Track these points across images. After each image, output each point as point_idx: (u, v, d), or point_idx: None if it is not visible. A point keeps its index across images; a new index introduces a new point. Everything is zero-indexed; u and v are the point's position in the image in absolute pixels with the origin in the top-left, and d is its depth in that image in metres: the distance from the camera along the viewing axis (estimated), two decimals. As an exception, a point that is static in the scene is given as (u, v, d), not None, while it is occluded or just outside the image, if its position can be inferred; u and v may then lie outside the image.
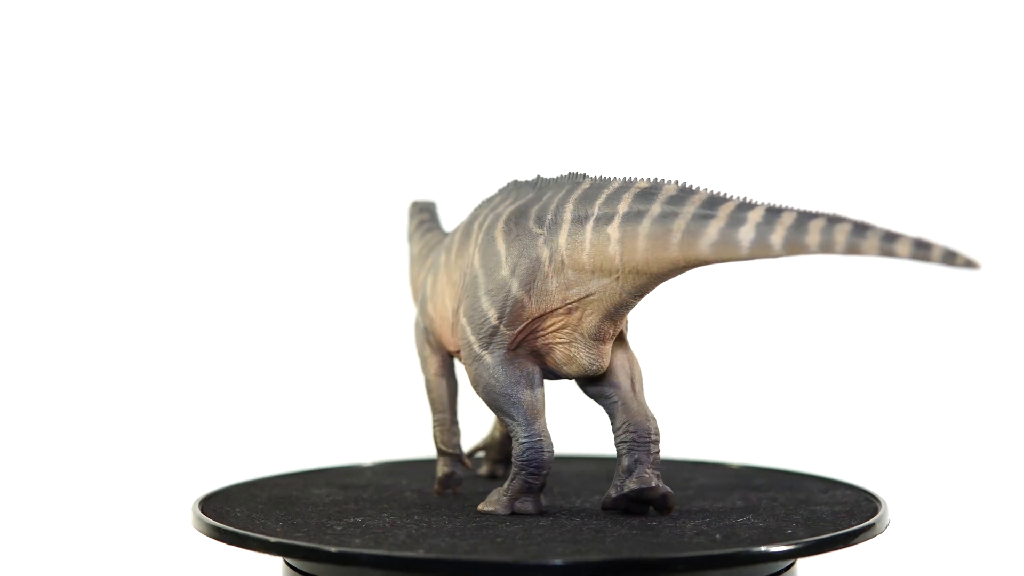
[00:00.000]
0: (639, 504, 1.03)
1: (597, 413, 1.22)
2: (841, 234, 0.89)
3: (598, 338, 1.01)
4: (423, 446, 1.40)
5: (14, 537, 1.59)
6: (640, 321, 1.63)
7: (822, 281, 1.67)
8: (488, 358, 1.02)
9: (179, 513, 1.38)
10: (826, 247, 0.90)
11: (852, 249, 0.88)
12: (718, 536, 0.95)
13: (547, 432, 1.03)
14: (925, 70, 1.67)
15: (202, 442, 1.64)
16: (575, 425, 1.28)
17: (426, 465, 1.26)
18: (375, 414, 1.64)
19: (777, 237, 0.91)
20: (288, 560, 1.02)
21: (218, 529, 0.99)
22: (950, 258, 0.85)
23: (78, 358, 1.64)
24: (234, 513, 1.04)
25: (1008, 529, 1.60)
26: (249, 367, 1.67)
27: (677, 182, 0.97)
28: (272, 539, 0.94)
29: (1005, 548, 1.59)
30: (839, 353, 1.67)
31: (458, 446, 1.14)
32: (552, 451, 1.03)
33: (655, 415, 1.02)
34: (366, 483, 1.19)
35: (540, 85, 1.70)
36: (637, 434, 1.01)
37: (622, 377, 1.03)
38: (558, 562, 0.88)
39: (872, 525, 1.00)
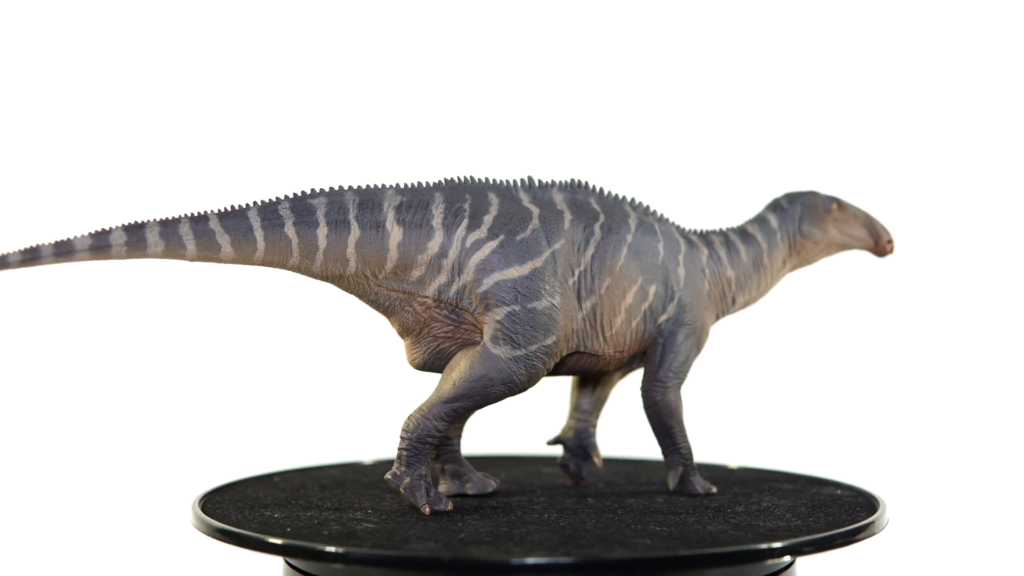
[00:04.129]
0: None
1: (616, 414, 1.22)
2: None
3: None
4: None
5: (13, 537, 1.58)
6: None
7: (819, 281, 1.67)
8: None
9: (179, 512, 1.38)
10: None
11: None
12: (717, 534, 0.95)
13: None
14: (922, 70, 1.68)
15: (201, 440, 1.63)
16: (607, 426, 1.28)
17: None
18: (376, 411, 1.64)
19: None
20: (289, 560, 1.02)
21: (219, 529, 0.98)
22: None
23: (76, 357, 1.64)
24: (234, 512, 1.04)
25: (1007, 529, 1.60)
26: (246, 364, 1.66)
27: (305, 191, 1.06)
28: (273, 539, 0.94)
29: (1004, 548, 1.59)
30: (836, 353, 1.67)
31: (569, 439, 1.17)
32: None
33: (423, 416, 1.02)
34: (367, 481, 1.19)
35: (537, 85, 1.70)
36: None
37: (443, 375, 1.04)
38: (566, 559, 0.88)
39: (871, 524, 1.00)
